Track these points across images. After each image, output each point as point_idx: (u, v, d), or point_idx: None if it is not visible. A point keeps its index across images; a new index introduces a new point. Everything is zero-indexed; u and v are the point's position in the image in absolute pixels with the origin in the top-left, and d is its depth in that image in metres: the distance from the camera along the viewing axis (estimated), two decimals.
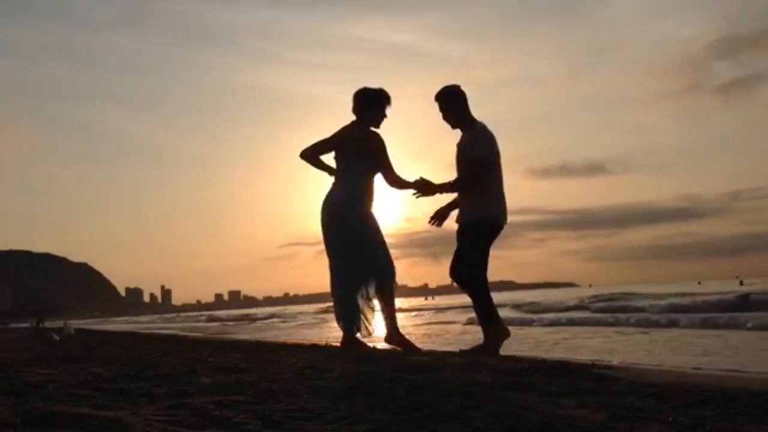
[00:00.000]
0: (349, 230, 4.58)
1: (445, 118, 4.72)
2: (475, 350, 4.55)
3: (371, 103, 4.67)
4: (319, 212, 4.72)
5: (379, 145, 4.64)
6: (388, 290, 4.67)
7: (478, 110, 4.69)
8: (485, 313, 4.61)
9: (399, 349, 4.61)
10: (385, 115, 4.72)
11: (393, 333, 4.67)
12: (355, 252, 4.58)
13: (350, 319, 4.61)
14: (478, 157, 4.56)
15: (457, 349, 4.94)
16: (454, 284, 4.76)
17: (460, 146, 4.72)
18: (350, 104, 4.72)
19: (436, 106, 4.71)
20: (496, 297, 5.36)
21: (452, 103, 4.69)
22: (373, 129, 4.69)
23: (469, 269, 4.62)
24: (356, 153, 4.62)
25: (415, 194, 4.66)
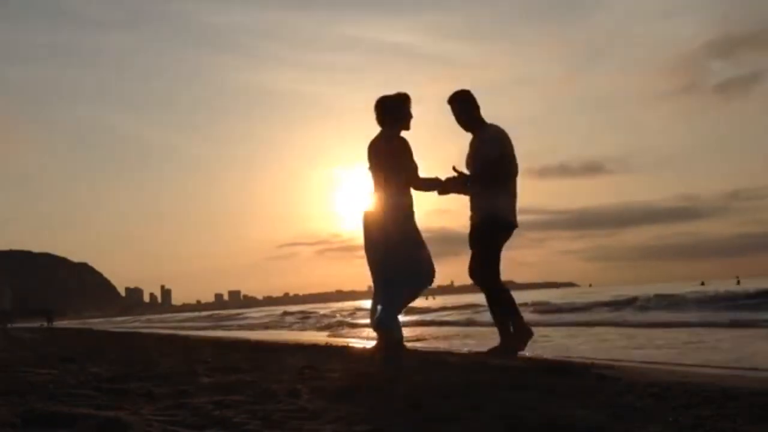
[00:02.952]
0: (373, 247, 4.56)
1: (458, 121, 4.87)
2: (493, 351, 4.54)
3: (392, 110, 4.65)
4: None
5: (396, 148, 4.59)
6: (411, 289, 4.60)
7: None
8: (500, 314, 4.64)
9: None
10: (411, 115, 4.70)
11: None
12: (378, 269, 4.56)
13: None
14: (489, 156, 4.66)
15: (462, 350, 4.92)
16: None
17: (472, 147, 4.83)
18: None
19: (449, 108, 4.85)
20: None
21: (464, 108, 4.85)
22: (396, 134, 4.63)
23: (480, 269, 4.65)
24: (378, 162, 4.60)
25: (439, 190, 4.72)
